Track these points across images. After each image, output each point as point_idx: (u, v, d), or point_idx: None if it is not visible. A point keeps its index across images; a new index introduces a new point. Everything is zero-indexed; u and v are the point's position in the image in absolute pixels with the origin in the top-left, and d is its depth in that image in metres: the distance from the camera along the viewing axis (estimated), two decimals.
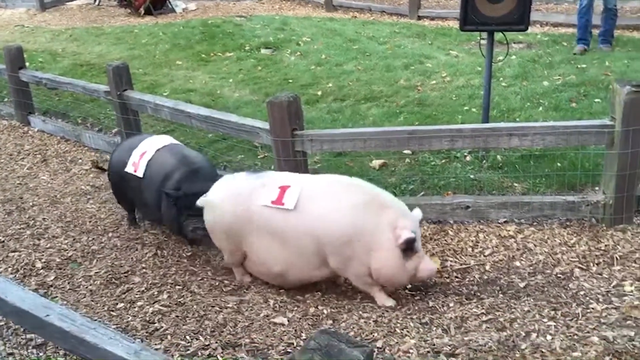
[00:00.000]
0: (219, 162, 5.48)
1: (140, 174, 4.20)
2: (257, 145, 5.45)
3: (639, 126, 3.75)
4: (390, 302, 3.48)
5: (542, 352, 2.95)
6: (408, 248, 3.31)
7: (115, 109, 5.59)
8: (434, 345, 3.06)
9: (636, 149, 3.80)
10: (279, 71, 7.99)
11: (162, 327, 3.38)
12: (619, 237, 3.89)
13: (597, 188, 4.28)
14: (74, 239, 4.46)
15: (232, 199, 3.63)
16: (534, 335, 3.09)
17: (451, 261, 3.88)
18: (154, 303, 3.63)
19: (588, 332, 3.09)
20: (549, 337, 3.05)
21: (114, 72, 5.37)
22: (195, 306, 3.55)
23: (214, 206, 3.70)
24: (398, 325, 3.25)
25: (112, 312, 3.57)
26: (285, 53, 8.80)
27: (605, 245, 3.83)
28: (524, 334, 3.10)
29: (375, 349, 3.06)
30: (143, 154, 4.25)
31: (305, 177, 3.70)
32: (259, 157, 5.48)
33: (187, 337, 3.27)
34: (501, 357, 2.94)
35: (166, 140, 4.40)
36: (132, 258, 4.17)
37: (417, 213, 3.52)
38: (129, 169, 4.27)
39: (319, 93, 6.99)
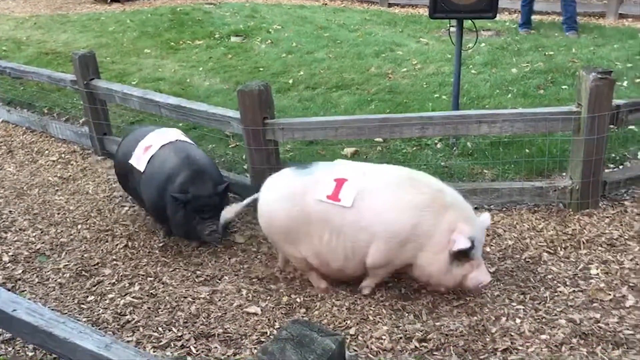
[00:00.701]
0: None
1: (141, 167, 4.05)
2: (228, 134, 5.41)
3: (605, 113, 3.82)
4: (368, 292, 3.44)
5: (512, 335, 3.01)
6: (461, 255, 3.12)
7: (82, 98, 5.48)
8: (406, 331, 3.10)
9: (601, 135, 3.88)
10: (250, 59, 7.92)
11: (133, 319, 3.36)
12: (585, 221, 3.98)
13: (564, 174, 4.36)
14: (42, 232, 4.38)
15: (285, 199, 3.36)
16: (503, 319, 3.15)
17: None
18: (125, 295, 3.60)
19: (556, 315, 3.16)
20: (518, 321, 3.12)
21: (81, 61, 5.26)
22: (167, 297, 3.53)
23: (268, 209, 3.44)
24: (371, 312, 3.28)
25: (82, 305, 3.53)
26: (256, 41, 8.72)
27: (573, 230, 3.91)
28: (493, 318, 3.16)
29: (348, 337, 3.08)
30: (148, 148, 4.08)
31: (361, 168, 3.40)
32: (230, 146, 5.44)
33: (160, 328, 3.26)
34: (472, 341, 2.99)
35: (173, 135, 4.20)
36: (102, 250, 4.11)
37: (485, 219, 3.31)
38: (133, 160, 4.13)
39: (290, 81, 6.96)
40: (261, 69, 7.50)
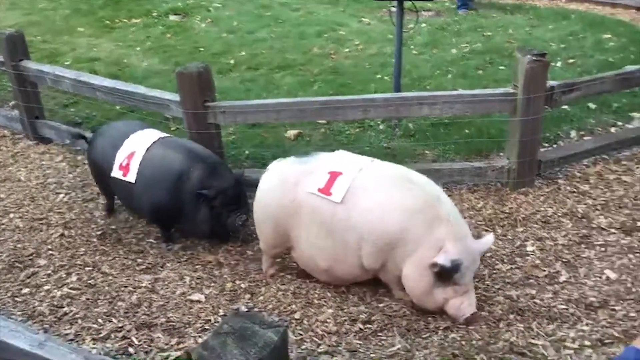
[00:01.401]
0: None
1: (131, 178, 3.71)
2: (168, 117, 5.28)
3: (539, 94, 3.92)
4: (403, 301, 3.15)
5: (454, 321, 3.07)
6: (443, 276, 2.89)
7: (10, 80, 5.21)
8: (351, 313, 3.12)
9: (537, 115, 3.99)
10: (189, 39, 7.72)
11: (71, 311, 3.26)
12: (521, 200, 4.10)
13: (502, 154, 4.47)
14: None
15: (278, 188, 3.23)
16: None
17: None
18: (62, 286, 3.48)
19: (494, 292, 3.26)
20: None
21: (8, 41, 4.99)
22: (106, 287, 3.44)
23: (262, 195, 3.33)
24: (316, 296, 3.29)
25: (16, 298, 3.40)
26: (195, 20, 8.50)
27: (510, 208, 4.02)
28: None
29: (294, 321, 3.09)
30: (131, 156, 3.74)
31: (360, 162, 3.19)
32: (170, 129, 5.30)
33: (99, 320, 3.17)
34: (414, 321, 3.05)
35: (153, 135, 3.87)
36: (36, 240, 3.95)
37: (484, 242, 3.05)
38: (116, 173, 3.78)
39: (232, 62, 6.83)
40: (201, 49, 7.33)
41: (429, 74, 6.15)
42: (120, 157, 3.80)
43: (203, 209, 3.64)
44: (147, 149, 3.74)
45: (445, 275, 2.87)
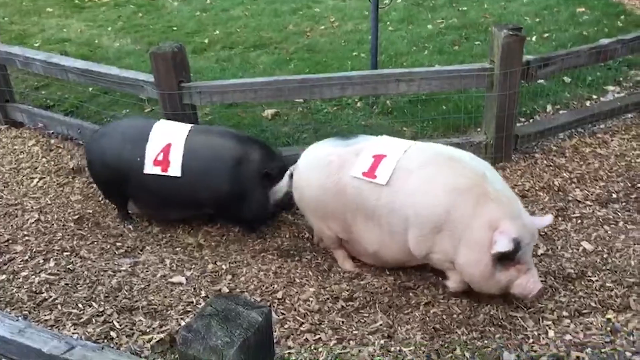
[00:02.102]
0: (103, 118, 5.18)
1: (175, 172, 3.49)
2: (143, 98, 5.19)
3: (516, 69, 3.93)
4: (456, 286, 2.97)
5: (433, 290, 3.10)
6: (504, 258, 2.71)
7: None
8: (333, 291, 3.14)
9: (513, 90, 4.00)
10: (162, 18, 7.58)
11: (50, 296, 3.22)
12: (499, 174, 4.12)
13: (479, 129, 4.49)
14: None
15: (321, 170, 3.12)
16: (422, 281, 3.24)
17: None
18: (40, 272, 3.43)
19: None
20: (440, 278, 3.21)
21: None
22: (86, 272, 3.40)
23: (301, 178, 3.23)
24: (297, 275, 3.29)
25: None
26: None
27: None
28: (419, 275, 3.25)
29: (276, 301, 3.09)
30: (168, 148, 3.50)
31: (405, 144, 3.07)
32: (145, 110, 5.23)
33: (79, 305, 3.14)
34: (396, 297, 3.08)
35: (181, 125, 3.66)
36: (12, 225, 3.88)
37: (542, 221, 2.89)
38: (152, 170, 3.51)
39: (206, 41, 6.73)
40: (174, 28, 7.21)
41: (405, 50, 6.13)
42: (152, 152, 3.52)
43: (263, 190, 3.51)
44: (186, 139, 3.52)
45: (507, 256, 2.67)
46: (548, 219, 2.90)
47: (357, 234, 3.11)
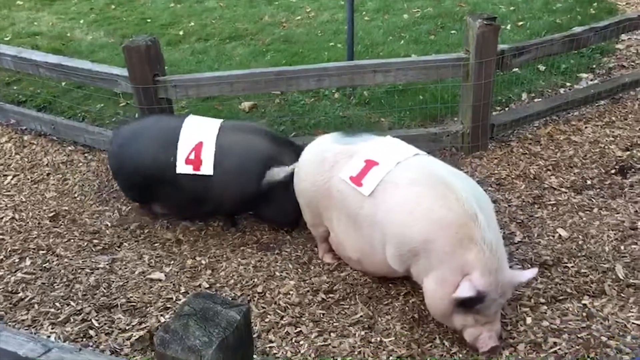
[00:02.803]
0: (77, 113, 5.10)
1: (207, 171, 3.41)
2: (118, 92, 5.12)
3: (491, 58, 3.96)
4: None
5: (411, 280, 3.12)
6: (464, 304, 2.54)
7: None
8: (313, 284, 3.15)
9: (488, 79, 4.02)
10: (135, 10, 7.47)
11: (27, 296, 3.18)
12: (476, 163, 4.17)
13: (455, 119, 4.52)
14: None
15: (315, 165, 3.05)
16: None
17: None
18: (15, 271, 3.38)
19: None
20: None
21: None
22: (62, 270, 3.36)
23: (299, 170, 3.19)
24: (277, 268, 3.29)
25: None
26: None
27: (465, 172, 4.06)
28: None
29: (256, 295, 3.09)
30: (199, 147, 3.41)
31: (404, 153, 2.91)
32: (120, 105, 5.16)
33: (57, 304, 3.10)
34: (376, 288, 3.09)
35: (211, 121, 3.57)
36: None
37: (522, 276, 2.63)
38: (184, 169, 3.42)
39: (181, 33, 6.66)
40: (148, 20, 7.11)
41: (381, 40, 6.12)
42: (183, 150, 3.43)
43: (293, 195, 3.35)
44: (217, 137, 3.44)
45: (466, 303, 2.53)
46: (531, 272, 2.65)
47: (342, 238, 3.04)
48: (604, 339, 2.64)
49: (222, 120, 3.60)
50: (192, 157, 3.42)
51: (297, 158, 3.34)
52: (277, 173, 3.42)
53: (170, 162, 3.44)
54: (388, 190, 2.76)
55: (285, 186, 3.38)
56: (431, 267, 2.62)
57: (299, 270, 3.28)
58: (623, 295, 2.87)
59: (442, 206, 2.60)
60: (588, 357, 2.56)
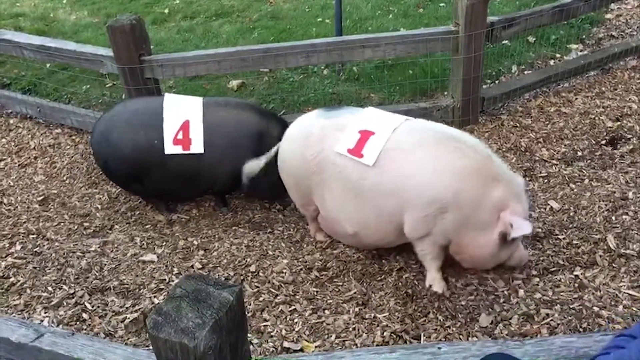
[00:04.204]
0: (62, 95, 5.03)
1: (197, 149, 3.34)
2: (104, 73, 5.05)
3: (480, 30, 3.92)
4: (439, 288, 2.87)
5: (404, 255, 3.13)
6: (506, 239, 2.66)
7: None
8: (306, 262, 3.14)
9: (478, 52, 3.99)
10: None
11: (18, 281, 3.16)
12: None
13: (446, 93, 4.49)
14: None
15: (301, 140, 2.98)
16: (394, 248, 3.25)
17: None
18: (6, 256, 3.36)
19: None
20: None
21: None
22: (54, 254, 3.34)
23: (283, 149, 3.12)
24: (270, 247, 3.28)
25: None
26: None
27: None
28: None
29: (249, 274, 3.09)
30: (186, 126, 3.35)
31: (395, 120, 2.88)
32: (107, 86, 5.10)
33: (49, 288, 3.09)
34: (369, 264, 3.09)
35: (192, 98, 3.50)
36: None
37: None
38: (173, 149, 3.33)
39: (166, 11, 6.55)
40: None
41: (370, 14, 6.06)
42: (170, 131, 3.35)
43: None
44: (204, 114, 3.38)
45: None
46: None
47: (336, 213, 2.98)
48: (596, 309, 2.66)
49: (202, 97, 3.54)
50: (180, 136, 3.36)
51: (284, 128, 3.33)
52: (253, 166, 3.40)
53: (150, 149, 3.36)
54: (397, 158, 2.74)
55: (274, 162, 3.36)
56: (464, 218, 2.66)
57: (292, 248, 3.27)
58: (614, 265, 2.89)
59: (459, 157, 2.67)
60: (580, 327, 2.58)
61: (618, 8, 5.83)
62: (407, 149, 2.75)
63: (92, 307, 2.94)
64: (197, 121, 3.37)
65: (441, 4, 6.15)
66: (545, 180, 3.65)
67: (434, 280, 2.89)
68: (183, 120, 3.36)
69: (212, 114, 3.41)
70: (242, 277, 3.07)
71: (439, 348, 1.74)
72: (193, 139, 3.35)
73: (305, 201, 3.15)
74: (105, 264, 3.23)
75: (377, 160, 2.76)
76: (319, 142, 2.92)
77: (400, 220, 2.79)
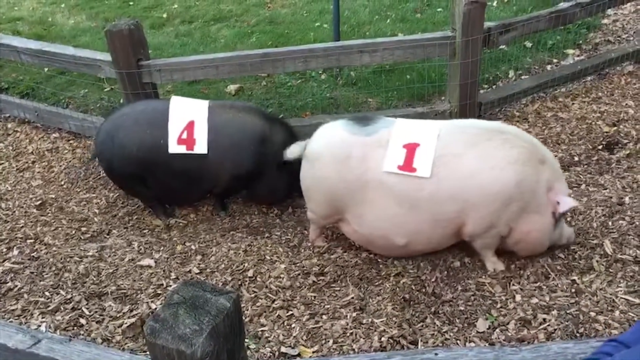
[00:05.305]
0: (60, 100, 5.03)
1: (201, 150, 3.37)
2: (102, 77, 5.05)
3: (477, 36, 3.93)
4: (500, 266, 3.01)
5: (403, 260, 3.13)
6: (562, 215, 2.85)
7: None
8: (304, 267, 3.14)
9: (475, 57, 4.01)
10: None
11: (16, 286, 3.15)
12: None
13: (443, 98, 4.50)
14: None
15: (340, 161, 2.91)
16: None
17: None
18: (3, 261, 3.36)
19: None
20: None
21: None
22: (51, 259, 3.33)
23: (318, 165, 3.00)
24: (267, 252, 3.28)
25: None
26: None
27: None
28: None
29: (247, 279, 3.09)
30: (191, 126, 3.37)
31: (433, 126, 2.90)
32: (105, 90, 5.10)
33: (46, 293, 3.08)
34: (367, 269, 3.10)
35: (198, 101, 3.52)
36: None
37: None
38: (177, 149, 3.36)
39: (164, 15, 6.56)
40: (131, 3, 7.01)
41: (367, 19, 6.07)
42: (174, 131, 3.36)
43: (283, 173, 3.46)
44: (209, 116, 3.40)
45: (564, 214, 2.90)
46: None
47: (381, 229, 2.95)
48: (592, 314, 2.66)
49: (209, 100, 3.57)
50: (184, 136, 3.37)
51: (287, 134, 3.41)
52: (297, 149, 3.25)
53: (155, 150, 3.38)
54: (451, 163, 2.79)
55: (276, 164, 3.42)
56: (526, 205, 2.80)
57: (290, 253, 3.28)
58: (611, 270, 2.89)
59: (510, 148, 2.78)
60: (577, 332, 2.59)
61: (614, 13, 5.86)
62: (458, 152, 2.80)
63: (90, 312, 2.94)
64: (202, 122, 3.38)
65: (438, 9, 6.17)
66: None
67: (495, 263, 3.01)
68: (188, 121, 3.38)
69: (218, 115, 3.43)
70: (239, 282, 3.07)
71: (436, 354, 1.74)
72: (197, 139, 3.37)
73: (331, 214, 3.09)
74: (103, 269, 3.23)
75: (432, 170, 2.80)
76: (362, 163, 2.88)
77: (457, 223, 2.87)
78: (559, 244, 3.02)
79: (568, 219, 3.28)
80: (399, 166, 2.83)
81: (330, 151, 2.97)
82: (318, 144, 3.04)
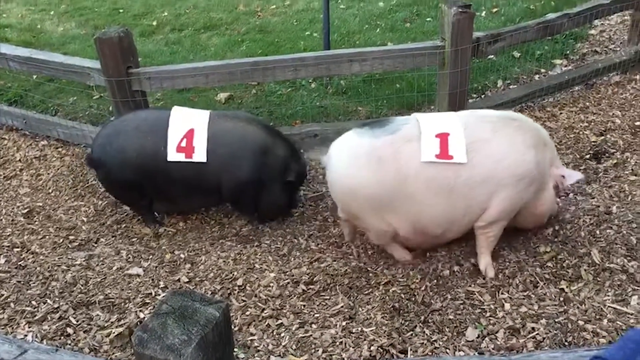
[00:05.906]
0: (49, 107, 5.01)
1: (200, 158, 3.34)
2: (91, 85, 5.03)
3: (466, 46, 3.96)
4: (491, 272, 3.06)
5: (393, 269, 3.14)
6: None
7: None
8: (293, 276, 3.14)
9: (464, 67, 4.03)
10: (107, 0, 7.34)
11: (2, 295, 3.12)
12: None
13: (432, 107, 4.52)
14: None
15: (373, 167, 2.89)
16: (382, 261, 3.26)
17: (304, 190, 3.94)
18: None
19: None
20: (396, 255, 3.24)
21: None
22: (38, 268, 3.31)
23: (350, 181, 2.96)
24: (257, 260, 3.27)
25: None
26: None
27: None
28: (378, 255, 3.27)
29: (236, 288, 3.07)
30: (191, 134, 3.35)
31: (456, 116, 3.05)
32: (94, 98, 5.08)
33: (33, 302, 3.06)
34: (356, 278, 3.10)
35: (198, 111, 3.53)
36: None
37: None
38: (176, 157, 3.33)
39: (154, 23, 6.56)
40: (121, 11, 7.00)
41: (357, 28, 6.10)
42: (174, 138, 3.35)
43: (284, 189, 3.50)
44: (209, 125, 3.39)
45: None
46: None
47: (422, 222, 2.99)
48: (581, 323, 2.67)
49: (210, 110, 3.57)
50: (183, 144, 3.36)
51: (287, 146, 3.46)
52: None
53: (161, 152, 3.36)
54: (481, 148, 2.92)
55: (278, 179, 3.46)
56: (539, 184, 3.05)
57: (279, 262, 3.27)
58: (599, 279, 2.91)
59: (525, 132, 3.01)
60: (565, 341, 2.60)
61: (602, 24, 5.93)
62: (485, 137, 2.95)
63: (77, 321, 2.91)
64: (202, 130, 3.37)
65: (428, 19, 6.22)
66: None
67: (488, 264, 3.08)
68: (188, 129, 3.37)
69: (218, 124, 3.42)
70: (228, 291, 3.06)
71: None
72: (196, 147, 3.36)
73: (383, 225, 3.04)
74: (91, 278, 3.20)
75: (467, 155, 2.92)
76: (395, 160, 2.89)
77: (483, 208, 2.99)
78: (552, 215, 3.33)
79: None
80: (436, 155, 2.89)
81: (361, 161, 2.93)
82: (344, 160, 2.99)
